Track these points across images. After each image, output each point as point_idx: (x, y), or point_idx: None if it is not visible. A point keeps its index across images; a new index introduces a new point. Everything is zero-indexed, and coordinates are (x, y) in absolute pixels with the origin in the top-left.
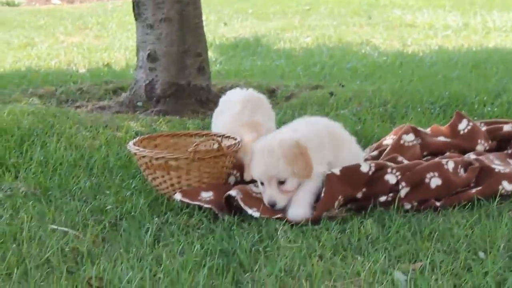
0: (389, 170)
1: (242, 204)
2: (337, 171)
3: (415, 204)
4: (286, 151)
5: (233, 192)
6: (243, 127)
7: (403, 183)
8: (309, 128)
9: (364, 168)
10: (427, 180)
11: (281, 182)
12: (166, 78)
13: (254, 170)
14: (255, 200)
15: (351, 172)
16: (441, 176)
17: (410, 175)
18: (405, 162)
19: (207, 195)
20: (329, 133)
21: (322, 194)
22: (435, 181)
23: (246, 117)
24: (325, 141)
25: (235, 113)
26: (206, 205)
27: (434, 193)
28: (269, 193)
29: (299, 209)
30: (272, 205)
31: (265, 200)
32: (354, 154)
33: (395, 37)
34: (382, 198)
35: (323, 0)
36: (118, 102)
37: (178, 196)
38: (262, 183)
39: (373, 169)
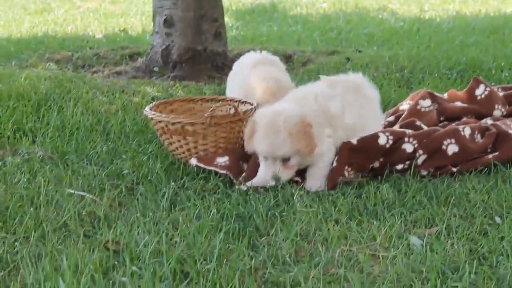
0: (406, 139)
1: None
2: (354, 140)
3: (432, 170)
4: (291, 129)
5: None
6: (259, 82)
7: (420, 151)
8: (315, 101)
9: (382, 140)
10: (444, 147)
11: (285, 159)
12: (183, 44)
13: (259, 146)
14: None
15: (368, 144)
16: (458, 142)
17: (427, 143)
18: (423, 126)
19: (222, 160)
20: (352, 90)
21: (335, 162)
22: (452, 148)
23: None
24: (336, 110)
25: (249, 73)
26: (221, 171)
27: (451, 160)
28: (274, 170)
29: (315, 182)
30: (277, 180)
31: (269, 175)
32: (376, 117)
33: (412, 3)
34: (399, 166)
35: None
36: (134, 68)
37: (193, 161)
38: (265, 158)
39: (390, 142)
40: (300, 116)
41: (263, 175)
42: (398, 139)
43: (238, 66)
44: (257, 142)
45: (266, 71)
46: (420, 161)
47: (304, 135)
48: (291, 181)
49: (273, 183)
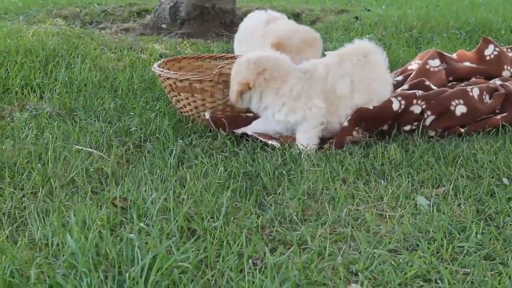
0: (414, 101)
1: (260, 138)
2: (370, 106)
3: (439, 131)
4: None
5: (248, 132)
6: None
7: (428, 112)
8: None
9: (395, 106)
10: (452, 108)
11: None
12: (191, 1)
13: None
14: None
15: (382, 109)
16: (467, 103)
17: (435, 103)
18: (432, 86)
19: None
20: (360, 63)
21: (346, 122)
22: (460, 109)
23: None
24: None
25: (259, 37)
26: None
27: (459, 121)
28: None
29: (304, 141)
30: None
31: None
32: (384, 81)
33: None
34: (407, 127)
35: None
36: (142, 24)
37: (207, 115)
38: None
39: (403, 106)
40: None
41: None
42: (409, 101)
43: (245, 30)
44: None
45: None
46: (428, 122)
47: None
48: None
49: None
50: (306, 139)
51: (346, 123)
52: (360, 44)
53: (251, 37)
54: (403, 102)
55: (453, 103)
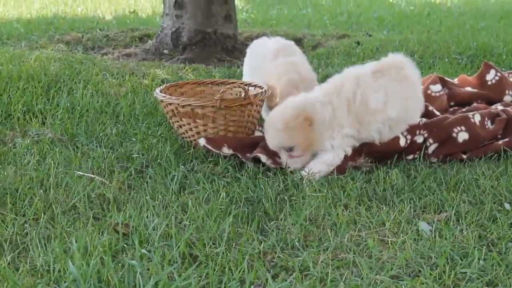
0: (417, 131)
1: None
2: (377, 142)
3: (441, 157)
4: (288, 123)
5: (262, 158)
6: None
7: (431, 140)
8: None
9: (402, 142)
10: (454, 135)
11: (289, 149)
12: (193, 26)
13: (266, 139)
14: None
15: (390, 146)
16: (468, 130)
17: (438, 131)
18: (436, 112)
19: (227, 151)
20: (396, 78)
21: (350, 151)
22: (462, 136)
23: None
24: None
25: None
26: (230, 152)
27: (461, 147)
28: (284, 160)
29: (315, 165)
30: (289, 167)
31: (283, 164)
32: (418, 105)
33: None
34: (410, 157)
35: None
36: (144, 50)
37: (202, 141)
38: None
39: (409, 141)
40: (300, 109)
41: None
42: (413, 134)
43: (255, 57)
44: (265, 136)
45: (287, 63)
46: (430, 150)
47: (300, 130)
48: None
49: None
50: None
51: (350, 152)
52: (396, 57)
53: (262, 67)
54: (408, 136)
55: (455, 130)
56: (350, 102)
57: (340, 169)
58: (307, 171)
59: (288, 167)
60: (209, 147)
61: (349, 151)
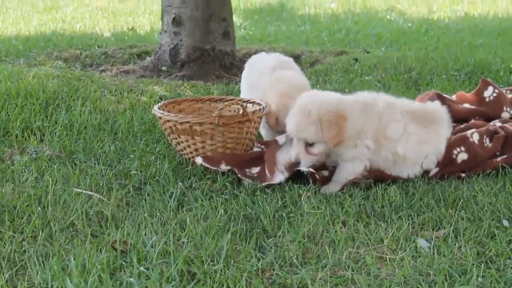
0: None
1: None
2: (381, 168)
3: (439, 175)
4: (322, 115)
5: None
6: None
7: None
8: (363, 100)
9: (404, 174)
10: (453, 156)
11: (309, 144)
12: (191, 43)
13: (288, 124)
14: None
15: (397, 176)
16: (468, 150)
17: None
18: None
19: (225, 167)
20: (424, 125)
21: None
22: (461, 156)
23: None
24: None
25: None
26: (228, 167)
27: (460, 167)
28: (297, 152)
29: (333, 186)
30: (297, 162)
31: (292, 156)
32: (438, 152)
33: (420, 3)
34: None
35: None
36: (142, 66)
37: (199, 160)
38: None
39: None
40: (337, 106)
41: (289, 154)
42: None
43: (253, 72)
44: (288, 121)
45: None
46: (432, 173)
47: (334, 125)
48: (298, 181)
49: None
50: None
51: (368, 165)
52: (432, 108)
53: (260, 83)
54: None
55: (454, 151)
56: (379, 119)
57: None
58: (327, 190)
59: (296, 161)
60: (207, 165)
61: (368, 165)
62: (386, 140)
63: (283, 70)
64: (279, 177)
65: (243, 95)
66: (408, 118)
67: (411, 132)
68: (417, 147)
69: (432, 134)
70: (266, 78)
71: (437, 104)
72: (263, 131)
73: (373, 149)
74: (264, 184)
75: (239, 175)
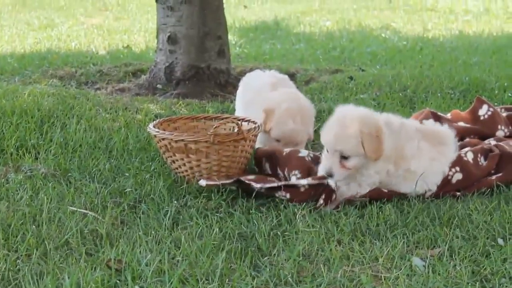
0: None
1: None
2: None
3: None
4: (364, 128)
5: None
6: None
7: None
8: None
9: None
10: (449, 177)
11: (344, 157)
12: (186, 61)
13: (324, 135)
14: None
15: (395, 193)
16: (462, 170)
17: None
18: None
19: (230, 180)
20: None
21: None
22: (456, 176)
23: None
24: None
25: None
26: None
27: (455, 187)
28: (330, 164)
29: (350, 188)
30: (329, 175)
31: (323, 169)
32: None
33: (415, 22)
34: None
35: None
36: (137, 85)
37: (203, 182)
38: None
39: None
40: (377, 121)
41: (321, 167)
42: None
43: (249, 90)
44: (324, 131)
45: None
46: (427, 195)
47: (375, 139)
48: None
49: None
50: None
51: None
52: (441, 130)
53: (256, 100)
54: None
55: (450, 172)
56: (397, 139)
57: (334, 204)
58: (356, 195)
59: (327, 174)
60: (212, 182)
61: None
62: (402, 160)
63: (293, 89)
64: (300, 181)
65: (238, 113)
66: (420, 135)
67: (423, 149)
68: (428, 164)
69: (440, 154)
70: (265, 94)
71: (445, 127)
72: (262, 138)
73: (391, 172)
74: (280, 183)
75: (245, 181)
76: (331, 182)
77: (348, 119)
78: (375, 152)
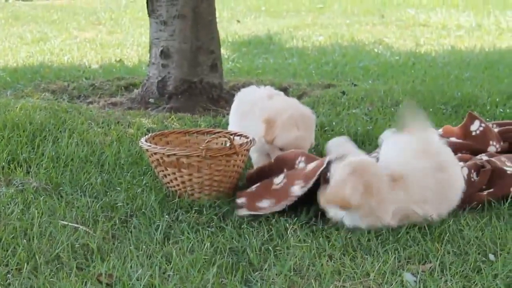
0: None
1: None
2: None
3: None
4: (369, 183)
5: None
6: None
7: None
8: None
9: None
10: None
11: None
12: (179, 75)
13: (332, 186)
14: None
15: None
16: None
17: None
18: None
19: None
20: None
21: None
22: None
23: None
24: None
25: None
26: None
27: None
28: (334, 211)
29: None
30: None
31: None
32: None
33: (408, 37)
34: None
35: None
36: (130, 99)
37: (244, 212)
38: None
39: None
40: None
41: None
42: None
43: (246, 105)
44: (332, 184)
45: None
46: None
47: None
48: (285, 214)
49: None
50: None
51: None
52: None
53: (251, 113)
54: None
55: None
56: None
57: None
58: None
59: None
60: (253, 213)
61: None
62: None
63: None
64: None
65: (232, 126)
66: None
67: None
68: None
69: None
70: (262, 104)
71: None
72: (254, 155)
73: None
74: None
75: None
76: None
77: (354, 172)
78: (376, 209)
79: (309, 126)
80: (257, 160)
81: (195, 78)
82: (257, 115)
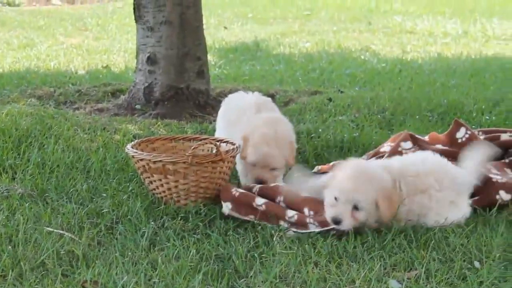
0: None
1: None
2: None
3: None
4: (381, 190)
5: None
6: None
7: None
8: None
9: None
10: None
11: (356, 208)
12: (165, 81)
13: (340, 184)
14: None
15: None
16: None
17: None
18: None
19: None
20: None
21: None
22: None
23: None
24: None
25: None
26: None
27: None
28: (339, 212)
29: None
30: (335, 222)
31: (330, 215)
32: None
33: (394, 44)
34: None
35: (323, 6)
36: (116, 105)
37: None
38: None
39: None
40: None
41: (330, 211)
42: None
43: (234, 111)
44: (340, 182)
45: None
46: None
47: (390, 203)
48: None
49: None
50: None
51: None
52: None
53: (241, 120)
54: None
55: None
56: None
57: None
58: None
59: (334, 220)
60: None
61: None
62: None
63: (276, 113)
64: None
65: (219, 132)
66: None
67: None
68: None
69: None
70: (250, 115)
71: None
72: (240, 167)
73: None
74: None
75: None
76: (342, 227)
77: (369, 173)
78: (388, 214)
79: (282, 145)
80: (242, 171)
81: (181, 84)
82: (243, 125)
